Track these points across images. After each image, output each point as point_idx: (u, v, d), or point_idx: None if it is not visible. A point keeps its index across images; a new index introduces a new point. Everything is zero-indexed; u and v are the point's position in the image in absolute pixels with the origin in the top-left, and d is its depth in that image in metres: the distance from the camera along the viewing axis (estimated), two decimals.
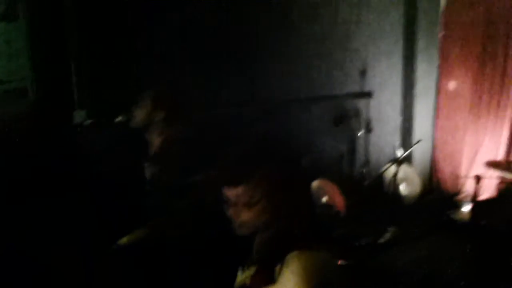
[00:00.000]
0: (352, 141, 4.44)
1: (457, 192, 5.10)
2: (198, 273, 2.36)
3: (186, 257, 2.37)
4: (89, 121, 2.79)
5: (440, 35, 5.20)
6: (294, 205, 1.48)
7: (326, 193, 3.92)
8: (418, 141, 4.72)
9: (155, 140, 2.58)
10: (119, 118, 2.57)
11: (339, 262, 3.05)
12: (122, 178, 2.83)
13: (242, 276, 1.58)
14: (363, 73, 4.77)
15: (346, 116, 4.47)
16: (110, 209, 2.84)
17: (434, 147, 5.43)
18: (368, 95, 4.82)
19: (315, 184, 3.94)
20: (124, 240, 2.48)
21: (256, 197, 1.45)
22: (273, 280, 1.41)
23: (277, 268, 1.41)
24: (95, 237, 2.55)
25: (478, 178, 4.10)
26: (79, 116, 2.90)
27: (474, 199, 4.20)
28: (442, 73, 5.28)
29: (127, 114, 2.56)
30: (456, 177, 5.16)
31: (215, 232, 2.10)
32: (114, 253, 2.42)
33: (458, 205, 4.65)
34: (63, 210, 2.66)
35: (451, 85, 5.21)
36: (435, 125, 5.39)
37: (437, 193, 5.33)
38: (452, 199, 5.00)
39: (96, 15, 3.00)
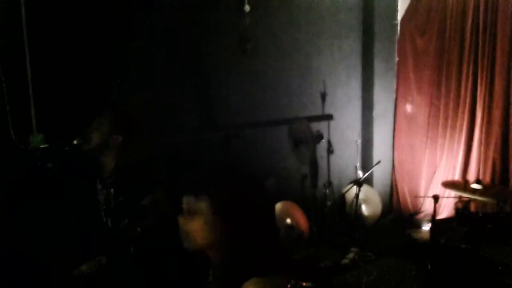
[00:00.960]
0: (314, 163, 4.47)
1: (417, 212, 5.21)
2: None
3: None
4: (46, 145, 2.72)
5: (396, 60, 5.38)
6: (249, 226, 1.45)
7: (290, 214, 3.93)
8: (378, 162, 4.80)
9: (109, 164, 2.53)
10: (75, 141, 2.51)
11: (304, 284, 3.05)
12: (77, 201, 2.78)
13: None
14: (324, 96, 4.84)
15: (307, 138, 4.50)
16: (64, 233, 2.78)
17: (393, 168, 5.55)
18: (329, 117, 4.89)
19: (278, 206, 3.94)
20: (84, 268, 2.42)
21: (203, 208, 1.43)
22: None
23: None
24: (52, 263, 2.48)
25: (436, 198, 4.18)
26: (36, 140, 2.82)
27: (433, 218, 4.28)
28: (399, 97, 5.45)
29: (83, 137, 2.51)
30: (415, 197, 5.27)
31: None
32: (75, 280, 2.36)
33: (417, 225, 4.73)
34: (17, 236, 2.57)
35: (408, 107, 5.37)
36: (393, 146, 5.52)
37: (397, 213, 5.42)
38: (411, 219, 5.10)
39: (53, 38, 2.96)
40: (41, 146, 2.70)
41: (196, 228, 1.42)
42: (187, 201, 1.43)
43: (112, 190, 2.49)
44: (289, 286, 2.87)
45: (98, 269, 2.43)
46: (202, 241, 1.43)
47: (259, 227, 1.44)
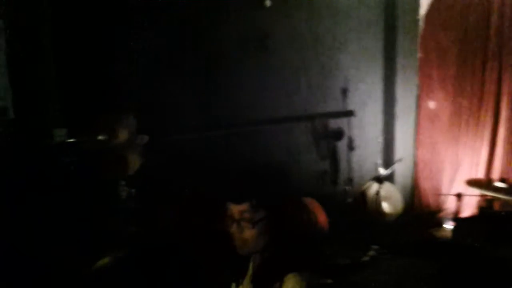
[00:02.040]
0: (335, 159, 4.45)
1: (439, 210, 5.14)
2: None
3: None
4: (70, 140, 2.76)
5: (418, 56, 5.31)
6: (291, 226, 1.49)
7: (311, 210, 3.92)
8: (400, 159, 4.77)
9: (134, 163, 2.56)
10: (100, 137, 2.55)
11: (328, 281, 3.04)
12: (100, 197, 2.81)
13: None
14: (345, 92, 4.81)
15: (328, 135, 4.49)
16: (87, 229, 2.81)
17: (415, 165, 5.49)
18: (350, 114, 4.86)
19: (299, 200, 3.93)
20: (102, 262, 2.44)
21: (260, 216, 1.46)
22: None
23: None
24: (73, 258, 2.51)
25: (459, 196, 4.14)
26: (59, 134, 2.87)
27: (455, 216, 4.23)
28: (422, 93, 5.37)
29: (109, 133, 2.54)
30: (437, 195, 5.20)
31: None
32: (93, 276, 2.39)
33: (439, 223, 4.69)
34: (41, 231, 2.62)
35: (431, 104, 5.30)
36: (416, 143, 5.46)
37: (419, 211, 5.36)
38: (433, 217, 5.04)
39: (76, 37, 3.00)
40: (65, 141, 2.76)
41: (251, 236, 1.46)
42: (240, 211, 1.47)
43: (133, 190, 2.52)
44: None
45: (116, 263, 2.45)
46: (256, 247, 1.47)
47: (293, 227, 1.48)
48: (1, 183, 2.62)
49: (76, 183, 2.66)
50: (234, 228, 1.52)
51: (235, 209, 1.50)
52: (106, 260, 2.46)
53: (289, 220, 1.51)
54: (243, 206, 1.49)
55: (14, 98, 2.75)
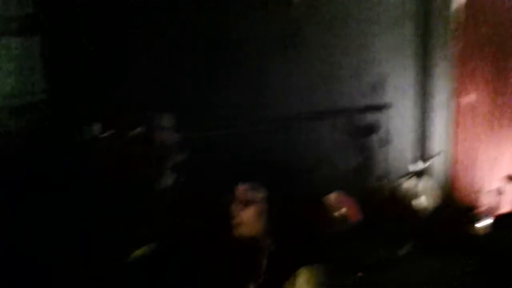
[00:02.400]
0: (368, 153, 4.40)
1: (477, 206, 5.02)
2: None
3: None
4: (103, 134, 2.83)
5: (456, 47, 5.17)
6: (308, 224, 1.48)
7: (343, 206, 3.89)
8: (438, 153, 4.68)
9: (168, 158, 2.59)
10: (136, 131, 2.60)
11: (359, 274, 3.03)
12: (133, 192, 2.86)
13: None
14: (380, 85, 4.76)
15: (364, 128, 4.45)
16: (124, 224, 2.86)
17: (452, 160, 5.36)
18: (384, 107, 4.79)
19: (331, 197, 3.91)
20: (137, 253, 2.48)
21: (258, 198, 1.46)
22: None
23: (286, 284, 1.41)
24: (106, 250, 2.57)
25: (498, 191, 4.04)
26: (93, 129, 2.94)
27: (494, 212, 4.13)
28: (459, 85, 5.23)
29: (146, 127, 2.58)
30: (476, 190, 5.08)
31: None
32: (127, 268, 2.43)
33: (477, 219, 4.57)
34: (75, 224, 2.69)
35: (469, 97, 5.16)
36: (453, 137, 5.33)
37: (456, 206, 5.25)
38: (471, 213, 4.92)
39: (110, 32, 3.07)
40: (98, 136, 2.83)
41: (250, 217, 1.46)
42: (242, 191, 1.47)
43: (173, 179, 2.54)
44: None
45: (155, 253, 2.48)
46: (254, 230, 1.46)
47: (310, 219, 1.46)
48: (39, 178, 2.71)
49: (108, 178, 2.72)
50: (235, 207, 1.52)
51: (239, 189, 1.50)
52: (141, 251, 2.50)
53: (306, 218, 1.50)
54: (244, 186, 1.49)
55: (49, 94, 2.85)
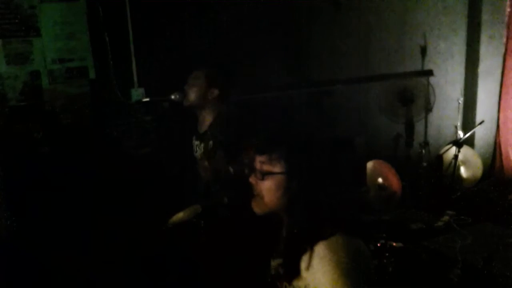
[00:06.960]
0: (410, 121, 4.31)
1: None
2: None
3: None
4: (146, 99, 2.88)
5: (507, 11, 4.93)
6: (324, 189, 1.43)
7: (381, 174, 3.85)
8: (481, 122, 4.54)
9: (207, 118, 2.61)
10: (173, 96, 2.62)
11: (394, 244, 3.02)
12: (174, 155, 2.90)
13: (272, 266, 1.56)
14: (424, 51, 4.62)
15: (407, 95, 4.35)
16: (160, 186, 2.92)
17: (498, 129, 5.20)
18: (428, 73, 4.66)
19: (370, 164, 3.87)
20: (175, 218, 2.52)
21: (277, 169, 1.42)
22: (298, 272, 1.37)
23: (304, 258, 1.36)
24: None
25: None
26: (137, 94, 2.99)
27: None
28: (509, 52, 5.01)
29: (180, 93, 2.61)
30: None
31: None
32: (166, 232, 2.47)
33: None
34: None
35: None
36: (499, 105, 5.15)
37: (500, 177, 5.12)
38: None
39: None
40: (142, 100, 2.88)
41: (268, 189, 1.42)
42: (259, 162, 1.43)
43: (211, 142, 2.56)
44: (378, 244, 2.84)
45: (195, 217, 2.52)
46: (273, 203, 1.42)
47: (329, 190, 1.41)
48: (89, 142, 2.80)
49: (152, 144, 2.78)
50: (251, 180, 1.48)
51: (257, 159, 1.46)
52: (180, 215, 2.55)
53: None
54: (262, 158, 1.44)
55: (94, 59, 2.89)
